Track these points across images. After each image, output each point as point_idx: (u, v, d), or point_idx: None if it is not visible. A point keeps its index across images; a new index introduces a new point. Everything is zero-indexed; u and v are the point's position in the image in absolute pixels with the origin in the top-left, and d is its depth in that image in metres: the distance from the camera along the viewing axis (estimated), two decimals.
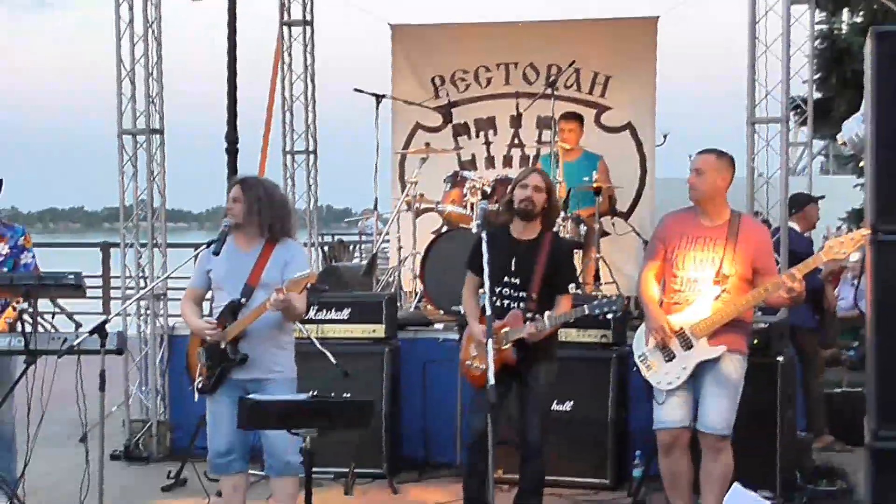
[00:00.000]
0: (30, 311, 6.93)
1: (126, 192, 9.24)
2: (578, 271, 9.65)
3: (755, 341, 6.74)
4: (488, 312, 5.99)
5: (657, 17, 10.70)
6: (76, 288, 6.78)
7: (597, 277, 9.47)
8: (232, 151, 12.54)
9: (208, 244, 6.25)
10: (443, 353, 7.80)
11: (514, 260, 6.55)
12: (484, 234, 6.17)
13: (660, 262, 6.44)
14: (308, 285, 6.16)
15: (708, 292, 6.26)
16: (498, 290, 6.46)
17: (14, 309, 6.72)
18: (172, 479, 7.85)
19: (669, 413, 6.33)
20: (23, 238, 7.15)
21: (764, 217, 8.16)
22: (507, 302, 6.51)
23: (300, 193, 11.44)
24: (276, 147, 11.49)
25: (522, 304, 6.53)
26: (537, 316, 6.46)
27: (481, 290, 6.47)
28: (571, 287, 6.68)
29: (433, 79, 11.31)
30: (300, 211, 11.50)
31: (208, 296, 6.58)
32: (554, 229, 6.92)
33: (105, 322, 6.15)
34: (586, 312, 6.42)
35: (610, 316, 6.46)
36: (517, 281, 6.55)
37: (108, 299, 16.59)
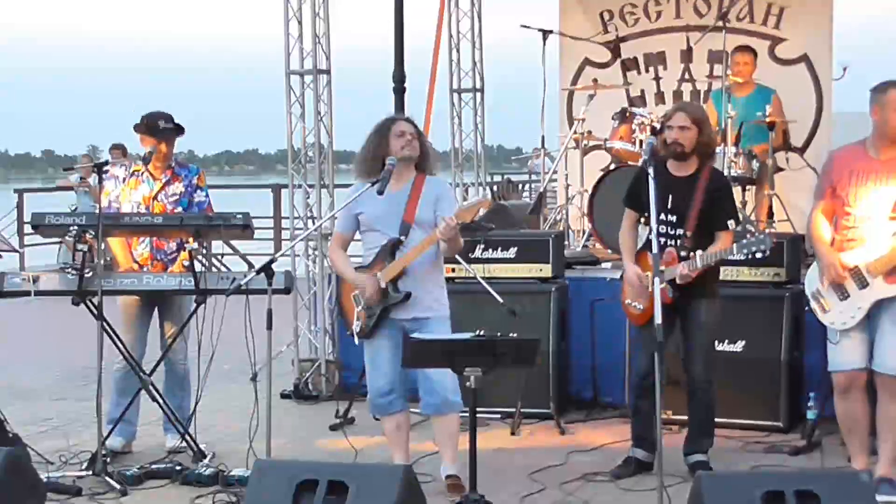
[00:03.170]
0: (202, 251, 7.05)
1: (294, 133, 9.30)
2: (751, 208, 9.43)
3: None
4: (655, 249, 5.86)
5: None
6: (244, 228, 6.87)
7: (770, 214, 9.21)
8: (399, 91, 12.52)
9: (373, 183, 6.20)
10: (610, 291, 7.65)
11: (670, 196, 6.39)
12: (650, 170, 6.01)
13: (829, 199, 6.20)
14: (480, 211, 6.08)
15: (883, 229, 6.00)
16: (654, 227, 6.32)
17: (185, 250, 6.83)
18: (340, 418, 7.91)
19: (845, 354, 6.11)
20: (196, 177, 7.26)
21: None
22: (663, 240, 6.34)
23: (467, 132, 11.39)
24: (443, 86, 11.45)
25: (678, 242, 6.38)
26: (691, 254, 6.31)
27: (641, 225, 6.32)
28: (731, 223, 6.47)
29: (601, 13, 11.12)
30: (467, 150, 11.47)
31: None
32: (716, 164, 6.72)
33: (272, 262, 6.17)
34: (735, 252, 6.25)
35: (759, 255, 6.27)
36: (673, 218, 6.40)
37: (279, 240, 16.90)
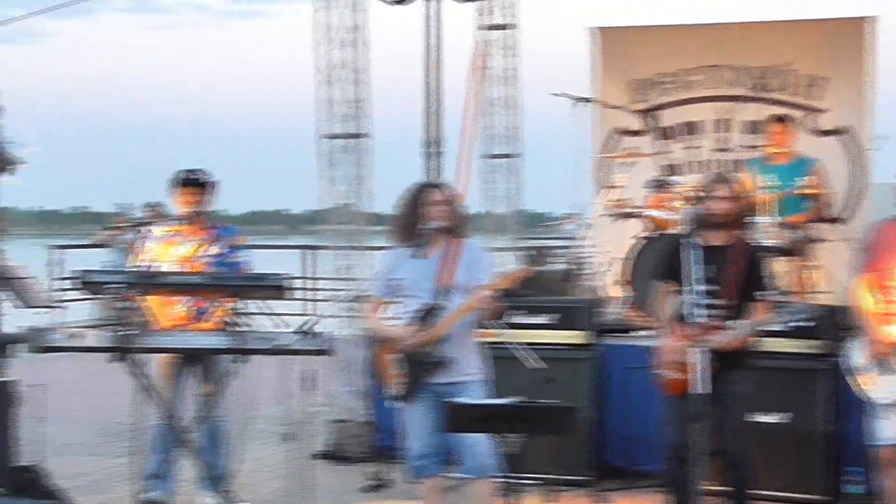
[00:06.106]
0: (239, 310, 7.07)
1: (325, 194, 9.35)
2: (788, 279, 9.41)
3: None
4: (694, 319, 5.85)
5: (874, 16, 10.33)
6: (279, 289, 6.88)
7: (808, 286, 9.17)
8: (431, 155, 12.55)
9: (408, 249, 6.24)
10: (646, 359, 7.64)
11: (708, 266, 6.38)
12: (688, 240, 6.01)
13: (870, 272, 6.18)
14: (517, 280, 6.13)
15: None
16: (691, 297, 6.31)
17: (223, 309, 6.84)
18: (375, 480, 7.88)
19: (889, 428, 6.06)
20: (235, 238, 7.30)
21: None
22: (701, 310, 6.33)
23: (500, 197, 11.41)
24: (476, 151, 11.47)
25: (716, 312, 6.36)
26: (729, 324, 6.29)
27: (675, 296, 6.34)
28: (769, 293, 6.45)
29: (634, 82, 11.18)
30: (499, 215, 11.49)
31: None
32: (755, 234, 6.73)
33: (310, 323, 6.20)
34: (773, 322, 6.22)
35: (797, 324, 6.24)
36: (711, 288, 6.38)
37: (310, 300, 16.90)
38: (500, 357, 7.56)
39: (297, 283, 16.06)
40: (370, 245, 9.56)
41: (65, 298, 17.04)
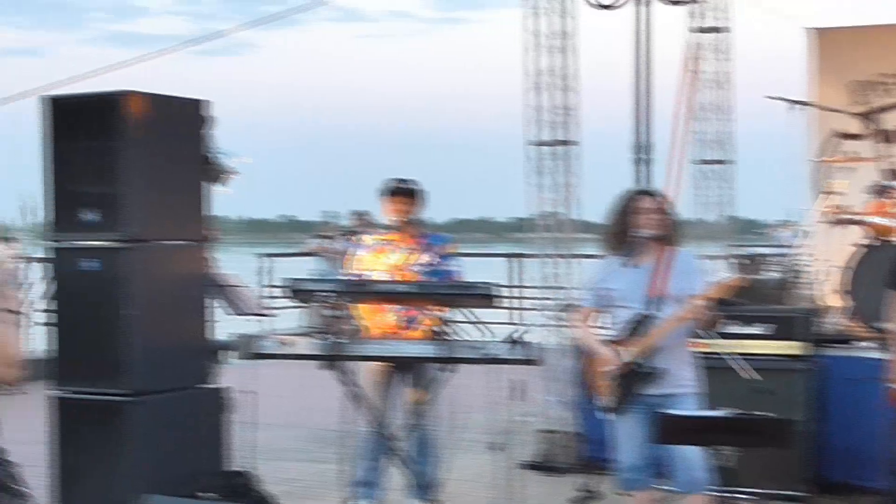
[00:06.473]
0: (449, 319, 7.06)
1: (533, 202, 9.31)
2: None
3: None
4: None
5: None
6: (487, 297, 6.84)
7: None
8: (640, 161, 12.39)
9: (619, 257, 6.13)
10: (869, 371, 7.34)
11: None
12: None
13: None
14: (732, 290, 5.98)
15: None
16: None
17: (432, 317, 6.84)
18: (584, 492, 7.77)
19: None
20: (446, 247, 7.30)
21: None
22: None
23: (712, 204, 11.18)
24: (688, 157, 11.26)
25: None
26: None
27: None
28: None
29: (854, 84, 10.80)
30: (711, 222, 11.27)
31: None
32: None
33: (519, 332, 6.16)
34: None
35: None
36: None
37: (517, 309, 16.88)
38: (714, 368, 7.38)
39: (504, 292, 16.10)
40: (578, 253, 9.47)
41: (274, 306, 17.44)
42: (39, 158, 6.86)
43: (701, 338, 7.04)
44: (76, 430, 6.78)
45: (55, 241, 6.92)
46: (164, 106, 6.88)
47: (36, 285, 11.16)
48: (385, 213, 7.32)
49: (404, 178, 7.32)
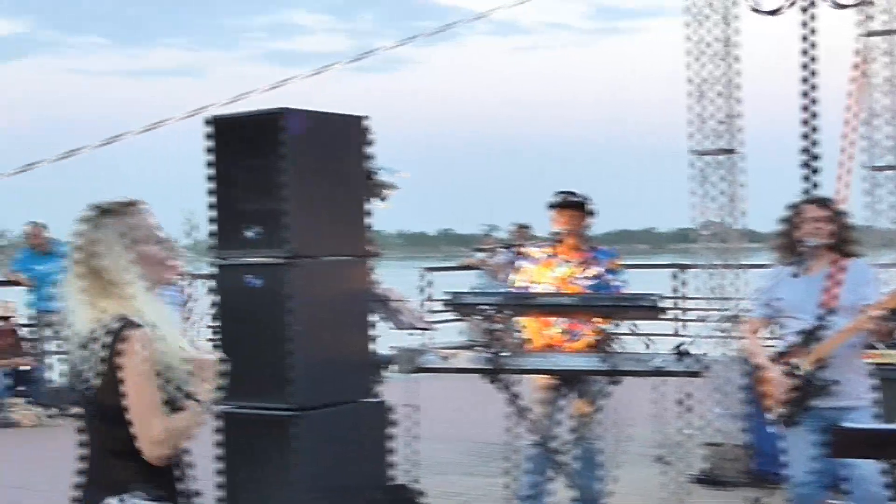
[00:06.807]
0: (612, 331, 6.97)
1: (698, 212, 9.15)
2: None
3: None
4: None
5: None
6: (652, 309, 6.73)
7: None
8: (808, 168, 12.09)
9: (789, 267, 5.97)
10: None
11: None
12: None
13: None
14: None
15: None
16: None
17: (597, 330, 6.76)
18: None
19: None
20: (612, 261, 7.21)
21: None
22: None
23: (885, 211, 10.83)
24: (857, 164, 10.95)
25: None
26: None
27: None
28: None
29: None
30: (884, 230, 10.92)
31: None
32: None
33: (685, 344, 6.04)
34: None
35: None
36: None
37: (681, 320, 16.64)
38: (889, 379, 7.13)
39: (668, 303, 15.89)
40: (744, 263, 9.27)
41: (435, 320, 17.52)
42: (203, 176, 6.98)
43: (875, 349, 6.84)
44: (241, 444, 6.87)
45: (219, 257, 7.03)
46: (326, 123, 6.95)
47: (200, 302, 11.38)
48: (554, 225, 7.26)
49: (574, 190, 7.25)
